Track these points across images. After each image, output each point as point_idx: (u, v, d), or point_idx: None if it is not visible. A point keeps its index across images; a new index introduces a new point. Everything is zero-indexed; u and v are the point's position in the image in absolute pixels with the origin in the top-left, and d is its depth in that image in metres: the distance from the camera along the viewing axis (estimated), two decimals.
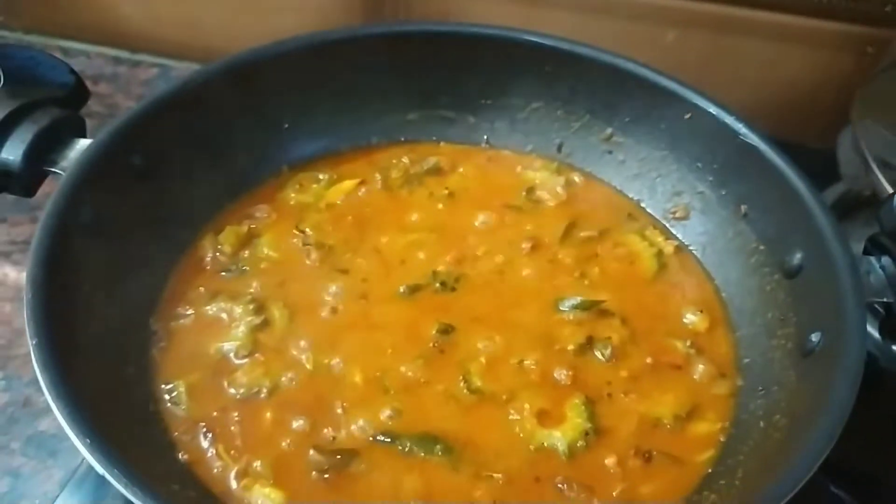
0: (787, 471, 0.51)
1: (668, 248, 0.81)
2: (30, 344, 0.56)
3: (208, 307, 0.73)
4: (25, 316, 0.57)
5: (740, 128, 0.76)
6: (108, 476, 0.48)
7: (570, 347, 0.71)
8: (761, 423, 0.64)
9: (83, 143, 0.73)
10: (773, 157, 0.74)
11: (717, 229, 0.80)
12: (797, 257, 0.70)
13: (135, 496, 0.47)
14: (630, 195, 0.87)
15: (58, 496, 0.75)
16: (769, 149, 0.74)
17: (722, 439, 0.65)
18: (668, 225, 0.84)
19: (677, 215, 0.83)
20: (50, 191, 0.71)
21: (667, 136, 0.84)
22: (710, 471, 0.63)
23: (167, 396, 0.66)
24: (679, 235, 0.83)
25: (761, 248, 0.75)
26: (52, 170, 0.71)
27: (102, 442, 0.51)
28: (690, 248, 0.82)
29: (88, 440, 0.50)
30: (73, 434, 0.50)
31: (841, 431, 0.53)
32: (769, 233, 0.74)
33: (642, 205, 0.86)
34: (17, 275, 1.09)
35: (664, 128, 0.83)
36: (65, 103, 0.75)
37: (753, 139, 0.75)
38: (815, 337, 0.64)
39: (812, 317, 0.66)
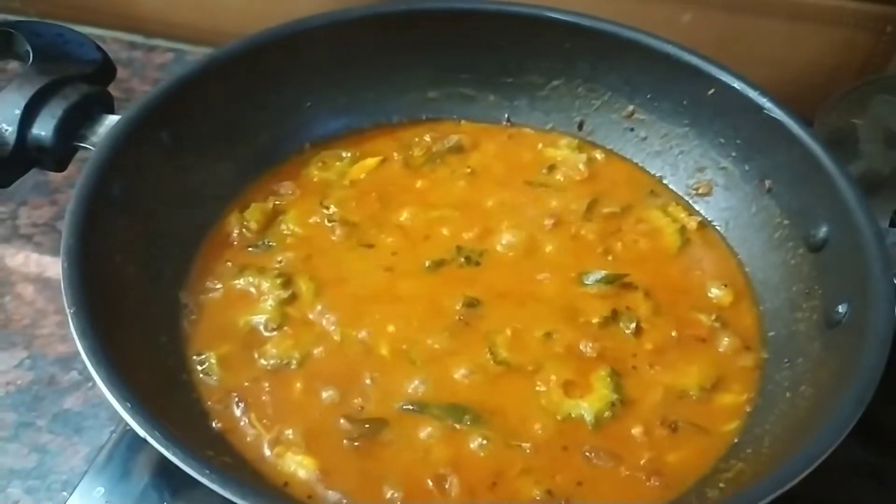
0: (817, 436, 0.52)
1: (691, 223, 0.81)
2: (68, 312, 0.57)
3: (236, 281, 0.74)
4: (63, 286, 0.58)
5: (764, 102, 0.76)
6: (149, 438, 0.49)
7: (595, 320, 0.71)
8: (787, 394, 0.64)
9: (112, 119, 0.73)
10: (797, 131, 0.74)
11: (740, 205, 0.80)
12: (822, 230, 0.70)
13: (176, 457, 0.48)
14: (652, 172, 0.87)
15: (85, 472, 0.76)
16: (794, 123, 0.74)
17: (748, 410, 0.66)
18: (690, 201, 0.84)
19: (700, 191, 0.84)
20: (77, 168, 0.72)
21: (689, 112, 0.84)
22: (736, 440, 0.63)
23: (199, 367, 0.67)
24: (702, 211, 0.83)
25: (786, 222, 0.75)
26: (83, 145, 0.72)
27: (142, 406, 0.51)
28: (714, 223, 0.82)
29: (129, 404, 0.51)
30: (114, 398, 0.51)
31: (871, 398, 0.54)
32: (793, 207, 0.75)
33: (664, 181, 0.86)
34: (38, 256, 1.11)
35: (686, 104, 0.83)
36: (93, 80, 0.76)
37: (778, 113, 0.75)
38: (841, 308, 0.64)
39: (838, 289, 0.66)
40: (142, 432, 0.50)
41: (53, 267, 1.04)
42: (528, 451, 0.62)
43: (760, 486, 0.49)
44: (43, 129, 0.70)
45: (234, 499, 0.48)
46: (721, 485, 0.59)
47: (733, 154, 0.81)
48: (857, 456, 0.71)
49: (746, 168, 0.80)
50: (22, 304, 1.11)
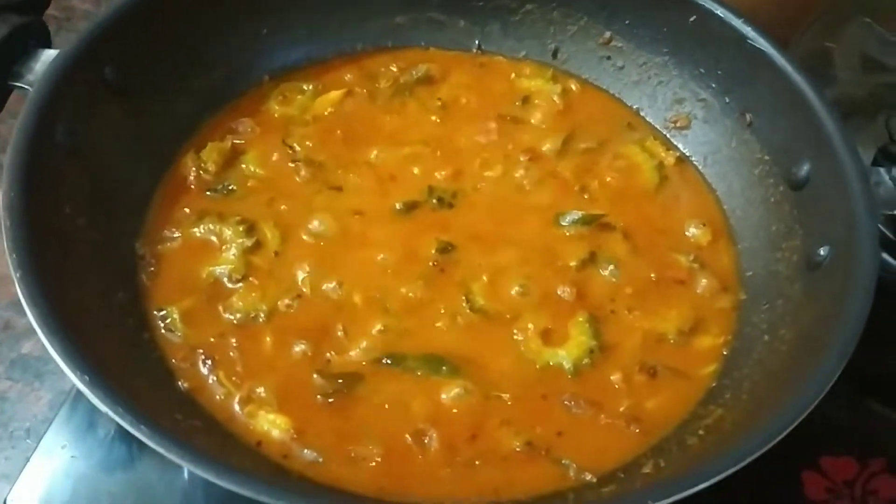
0: (800, 388, 0.51)
1: (669, 159, 0.79)
2: (14, 276, 0.53)
3: (196, 229, 0.70)
4: (6, 246, 0.54)
5: (748, 31, 0.73)
6: (112, 414, 0.47)
7: (573, 263, 0.70)
8: (766, 337, 0.64)
9: (49, 54, 0.67)
10: (782, 63, 0.71)
11: (719, 139, 0.78)
12: (804, 168, 0.68)
13: (142, 434, 0.46)
14: (629, 103, 0.84)
15: (48, 428, 0.73)
16: (778, 54, 0.71)
17: (725, 353, 0.65)
18: (668, 135, 0.81)
19: (678, 125, 0.81)
20: (15, 109, 0.66)
21: (669, 41, 0.80)
22: (714, 384, 0.63)
23: (161, 323, 0.64)
24: (680, 146, 0.80)
25: (766, 158, 0.73)
26: (18, 84, 0.66)
27: (102, 379, 0.49)
28: (692, 158, 0.80)
29: (87, 377, 0.48)
30: (71, 372, 0.48)
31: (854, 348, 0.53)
32: (775, 142, 0.72)
33: (642, 113, 0.83)
34: None
35: (666, 31, 0.80)
36: (23, 9, 0.69)
37: (762, 44, 0.72)
38: (823, 251, 0.63)
39: (819, 229, 0.65)
40: (104, 408, 0.47)
41: None
42: (507, 401, 0.61)
43: (745, 441, 0.48)
44: None
45: (206, 476, 0.45)
46: (700, 432, 0.58)
47: (713, 85, 0.78)
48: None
49: (727, 100, 0.77)
50: None
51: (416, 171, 0.76)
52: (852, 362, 0.53)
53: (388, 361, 0.63)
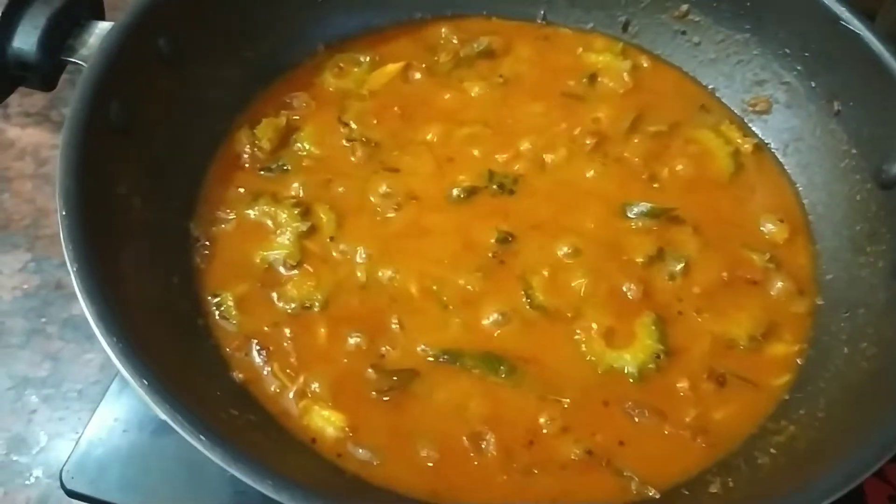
0: (889, 418, 0.48)
1: (746, 146, 0.74)
2: (70, 270, 0.52)
3: (250, 211, 0.68)
4: (62, 237, 0.53)
5: (841, 11, 0.67)
6: (171, 423, 0.46)
7: (640, 259, 0.66)
8: (845, 349, 0.60)
9: (103, 27, 0.65)
10: (877, 49, 0.65)
11: (803, 127, 0.73)
12: None
13: (202, 446, 0.45)
14: (704, 83, 0.79)
15: (104, 393, 0.73)
16: (874, 38, 0.65)
17: (800, 362, 0.62)
18: (746, 119, 0.76)
19: (757, 108, 0.76)
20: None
21: (751, 16, 0.75)
22: (787, 397, 0.60)
23: (216, 310, 0.63)
24: (758, 132, 0.76)
25: (854, 151, 0.68)
26: (72, 59, 0.64)
27: (162, 384, 0.47)
28: (771, 146, 0.75)
29: (146, 381, 0.47)
30: (132, 378, 0.47)
31: None
32: (864, 134, 0.67)
33: (718, 95, 0.78)
34: (34, 149, 1.05)
35: (749, 6, 0.74)
36: None
37: (856, 26, 0.66)
38: None
39: None
40: (163, 416, 0.46)
41: (52, 160, 0.98)
42: (566, 406, 0.59)
43: (825, 475, 0.45)
44: (25, 42, 0.62)
45: (264, 491, 0.44)
46: (772, 450, 0.56)
47: (799, 68, 0.73)
48: None
49: (813, 85, 0.72)
50: (21, 202, 1.06)
51: (475, 152, 0.73)
52: None
53: (445, 358, 0.61)
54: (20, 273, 1.03)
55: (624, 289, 0.65)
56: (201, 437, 0.45)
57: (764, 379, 0.61)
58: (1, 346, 0.98)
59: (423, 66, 0.79)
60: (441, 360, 0.61)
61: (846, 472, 0.45)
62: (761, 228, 0.69)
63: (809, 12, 0.69)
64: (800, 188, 0.72)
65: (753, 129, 0.76)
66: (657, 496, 0.55)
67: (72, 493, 0.66)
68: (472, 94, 0.77)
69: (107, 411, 0.70)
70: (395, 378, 0.60)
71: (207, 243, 0.66)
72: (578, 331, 0.62)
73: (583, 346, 0.62)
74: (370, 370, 0.60)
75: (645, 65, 0.79)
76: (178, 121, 0.69)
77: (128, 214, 0.61)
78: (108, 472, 0.66)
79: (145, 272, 0.60)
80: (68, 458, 0.69)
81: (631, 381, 0.60)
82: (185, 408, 0.47)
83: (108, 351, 0.48)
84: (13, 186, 1.08)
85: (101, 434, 0.68)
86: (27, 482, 0.96)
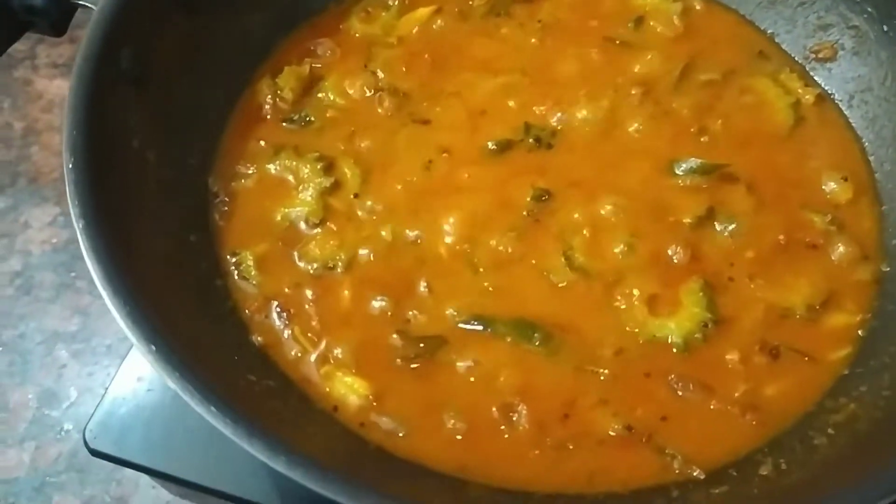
0: None
1: (808, 96, 0.68)
2: (76, 226, 0.49)
3: (271, 165, 0.65)
4: (68, 192, 0.50)
5: None
6: (181, 392, 0.43)
7: (687, 220, 0.61)
8: None
9: None
10: None
11: (871, 76, 0.66)
12: None
13: (212, 417, 0.42)
14: (763, 27, 0.72)
15: (128, 352, 0.71)
16: None
17: (861, 334, 0.57)
18: (808, 68, 0.70)
19: (821, 56, 0.69)
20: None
21: None
22: (846, 372, 0.55)
23: (235, 269, 0.60)
24: (821, 82, 0.69)
25: None
26: (81, 3, 0.60)
27: (170, 350, 0.45)
28: (835, 97, 0.69)
29: (154, 347, 0.44)
30: (137, 342, 0.44)
31: None
32: None
33: (777, 40, 0.72)
34: (62, 98, 1.02)
35: None
36: None
37: None
38: None
39: None
40: (172, 384, 0.43)
41: None
42: (604, 378, 0.55)
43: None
44: None
45: (278, 468, 0.42)
46: (829, 430, 0.51)
47: (870, 10, 0.66)
48: None
49: (885, 29, 0.66)
50: (50, 155, 1.04)
51: (511, 104, 0.68)
52: None
53: (476, 325, 0.57)
54: (50, 227, 1.02)
55: (670, 252, 0.60)
56: (212, 408, 0.42)
57: (821, 352, 0.56)
58: (31, 300, 0.97)
59: (456, 10, 0.74)
60: (471, 326, 0.57)
61: None
62: (823, 188, 0.64)
63: None
64: (866, 144, 0.66)
65: (816, 78, 0.70)
66: (702, 476, 0.51)
67: (95, 452, 0.65)
68: (508, 41, 0.72)
69: (131, 369, 0.68)
70: (421, 345, 0.56)
71: (227, 199, 0.63)
72: (619, 297, 0.58)
73: (624, 313, 0.58)
74: (395, 336, 0.56)
75: (697, 7, 0.73)
76: (197, 70, 0.66)
77: (141, 169, 0.58)
78: (132, 433, 0.64)
79: (160, 230, 0.57)
80: (91, 416, 0.68)
81: (675, 351, 0.56)
82: (195, 377, 0.44)
83: (115, 314, 0.45)
84: (42, 139, 1.06)
85: (125, 393, 0.66)
86: (58, 437, 0.96)
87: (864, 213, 0.63)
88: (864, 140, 0.66)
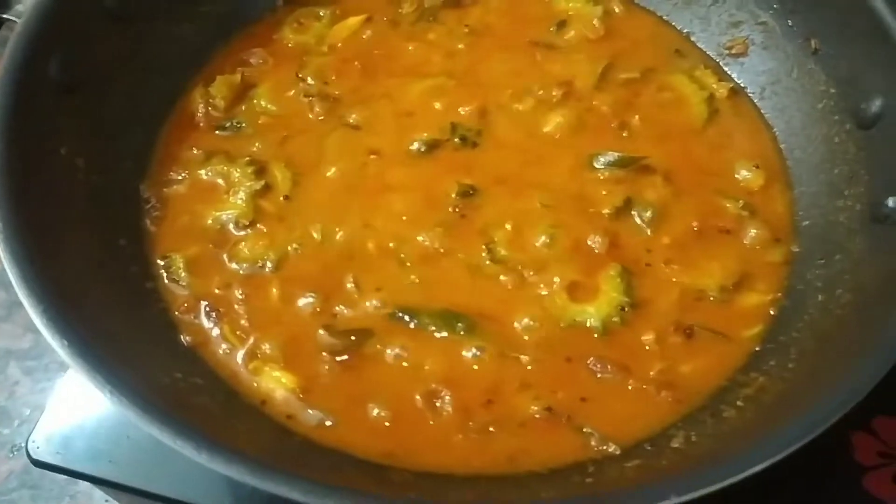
0: (863, 359, 0.45)
1: (722, 90, 0.71)
2: None
3: (203, 171, 0.66)
4: None
5: None
6: (94, 385, 0.44)
7: (606, 211, 0.63)
8: (819, 297, 0.57)
9: None
10: None
11: (780, 68, 0.69)
12: (875, 104, 0.60)
13: (132, 411, 0.43)
14: (679, 27, 0.75)
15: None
16: None
17: (773, 312, 0.59)
18: (722, 63, 0.73)
19: (734, 51, 0.72)
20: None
21: None
22: (757, 349, 0.57)
23: (165, 272, 0.61)
24: (734, 76, 0.72)
25: (832, 91, 0.64)
26: (6, 16, 0.61)
27: (86, 345, 0.46)
28: (747, 90, 0.72)
29: (66, 342, 0.45)
30: (51, 336, 0.45)
31: None
32: (843, 73, 0.64)
33: (693, 38, 0.75)
34: None
35: None
36: None
37: None
38: (892, 201, 0.55)
39: (889, 176, 0.57)
40: (85, 376, 0.44)
41: None
42: (527, 363, 0.56)
43: (788, 427, 0.43)
44: None
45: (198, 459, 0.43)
46: (739, 402, 0.53)
47: (775, 6, 0.69)
48: None
49: (790, 23, 0.68)
50: None
51: (437, 105, 0.70)
52: None
53: (402, 316, 0.58)
54: None
55: (590, 242, 0.62)
56: (124, 399, 0.43)
57: (735, 330, 0.58)
58: None
59: (386, 18, 0.76)
60: (397, 318, 0.58)
61: (807, 423, 0.43)
62: (736, 176, 0.66)
63: None
64: (777, 132, 0.69)
65: (729, 72, 0.72)
66: (617, 452, 0.52)
67: (38, 463, 0.65)
68: (436, 46, 0.74)
69: (74, 381, 0.68)
70: (348, 338, 0.57)
71: (158, 205, 0.64)
72: (541, 285, 0.60)
73: (545, 301, 0.59)
74: (322, 331, 0.58)
75: (617, 10, 0.76)
76: (130, 79, 0.67)
77: (70, 175, 0.59)
78: (75, 443, 0.64)
79: (89, 235, 0.58)
80: (33, 428, 0.68)
81: (595, 335, 0.58)
82: (111, 372, 0.45)
83: (29, 311, 0.46)
84: None
85: (69, 404, 0.67)
86: (10, 455, 0.95)
87: (776, 198, 0.65)
88: (775, 129, 0.69)
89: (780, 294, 0.60)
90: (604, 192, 0.64)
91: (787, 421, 0.45)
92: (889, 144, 0.58)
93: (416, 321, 0.58)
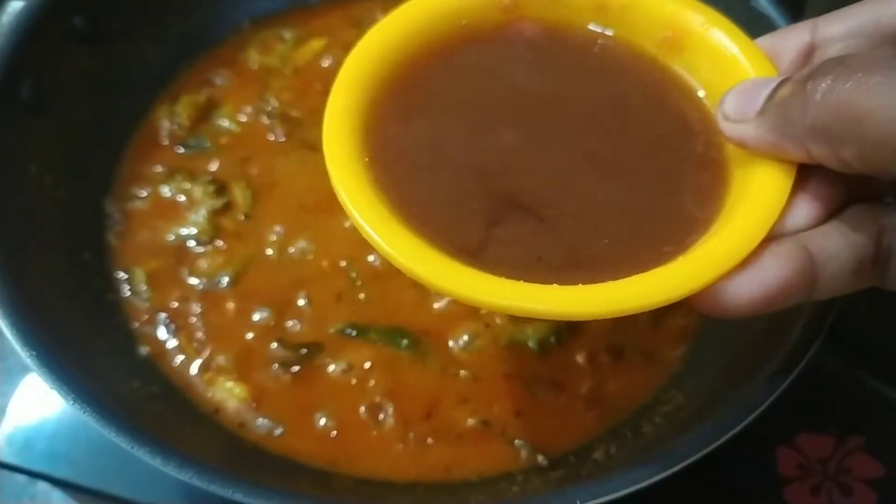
0: (762, 380, 0.49)
1: None
2: None
3: (165, 187, 0.69)
4: None
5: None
6: (56, 391, 0.47)
7: None
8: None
9: (15, 6, 0.65)
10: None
11: None
12: None
13: (92, 417, 0.46)
14: None
15: None
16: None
17: (695, 334, 0.63)
18: None
19: None
20: None
21: None
22: (678, 369, 0.61)
23: (125, 285, 0.64)
24: None
25: None
26: None
27: (51, 354, 0.49)
28: None
29: (34, 352, 0.48)
30: (20, 347, 0.48)
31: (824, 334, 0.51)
32: None
33: None
34: None
35: None
36: None
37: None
38: None
39: None
40: (49, 384, 0.47)
41: None
42: (467, 378, 0.60)
43: (685, 445, 0.47)
44: None
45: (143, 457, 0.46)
46: (657, 419, 0.57)
47: None
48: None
49: None
50: None
51: None
52: (847, 333, 0.50)
53: (350, 332, 0.62)
54: None
55: None
56: (86, 407, 0.47)
57: (661, 351, 0.62)
58: None
59: (347, 42, 0.79)
60: (346, 333, 0.62)
61: (706, 437, 0.47)
62: None
63: None
64: None
65: None
66: (545, 463, 0.56)
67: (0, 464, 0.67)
68: None
69: (36, 382, 0.70)
70: (299, 351, 0.61)
71: (121, 220, 0.67)
72: None
73: (486, 318, 0.63)
74: (275, 344, 0.61)
75: None
76: (97, 99, 0.70)
77: (38, 192, 0.62)
78: (37, 444, 0.66)
79: (53, 248, 0.61)
80: None
81: (532, 355, 0.62)
82: (73, 381, 0.48)
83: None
84: None
85: (30, 406, 0.69)
86: None
87: None
88: None
89: (700, 317, 0.64)
90: None
91: (688, 437, 0.49)
92: None
93: (363, 336, 0.62)
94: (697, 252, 0.39)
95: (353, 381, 0.60)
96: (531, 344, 0.62)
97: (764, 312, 0.39)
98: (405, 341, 0.62)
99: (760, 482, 0.67)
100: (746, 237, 0.38)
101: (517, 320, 0.63)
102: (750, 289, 0.38)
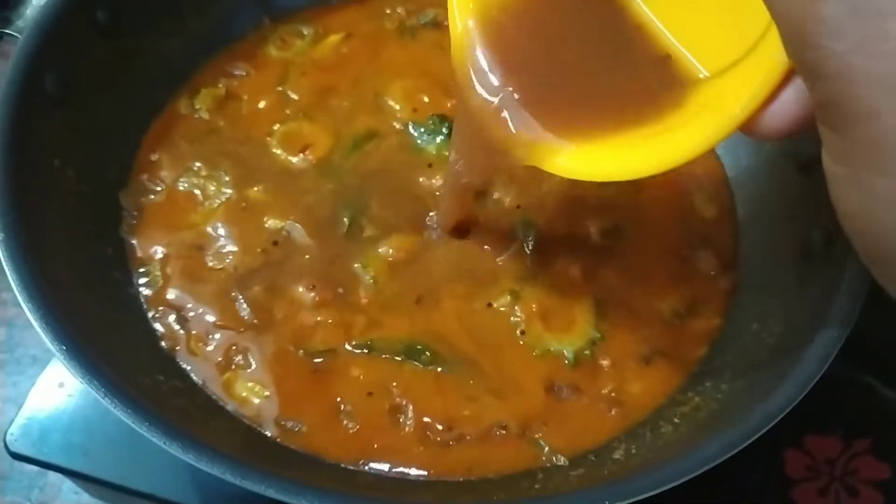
0: (777, 392, 0.50)
1: None
2: None
3: (182, 180, 0.69)
4: None
5: None
6: (89, 387, 0.47)
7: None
8: (755, 325, 0.62)
9: (39, 0, 0.65)
10: None
11: None
12: (811, 149, 0.64)
13: (113, 406, 0.47)
14: None
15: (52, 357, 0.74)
16: None
17: (715, 338, 0.64)
18: None
19: None
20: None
21: None
22: (696, 371, 0.62)
23: (144, 279, 0.64)
24: None
25: None
26: (6, 31, 0.64)
27: (81, 350, 0.49)
28: None
29: (64, 347, 0.48)
30: (51, 342, 0.49)
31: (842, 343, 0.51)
32: None
33: None
34: None
35: None
36: None
37: None
38: (818, 239, 0.60)
39: (818, 215, 0.61)
40: (81, 380, 0.48)
41: None
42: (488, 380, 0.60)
43: (706, 449, 0.48)
44: None
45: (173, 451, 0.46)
46: (676, 420, 0.58)
47: None
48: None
49: None
50: None
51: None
52: (854, 337, 0.51)
53: (363, 350, 0.62)
54: None
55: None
56: (115, 401, 0.47)
57: (681, 353, 0.63)
58: None
59: (365, 33, 0.80)
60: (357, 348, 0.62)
61: (726, 442, 0.47)
62: (693, 206, 0.71)
63: None
64: (727, 167, 0.73)
65: None
66: (566, 463, 0.57)
67: (15, 455, 0.67)
68: (412, 52, 0.78)
69: (53, 375, 0.71)
70: (323, 351, 0.61)
71: (136, 213, 0.67)
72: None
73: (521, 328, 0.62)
74: (296, 348, 0.61)
75: None
76: (118, 92, 0.70)
77: (62, 186, 0.62)
78: (52, 436, 0.66)
79: (76, 242, 0.61)
80: (12, 420, 0.70)
81: (567, 363, 0.61)
82: (101, 375, 0.48)
83: (29, 317, 0.50)
84: None
85: (46, 398, 0.69)
86: None
87: (725, 229, 0.70)
88: (725, 164, 0.74)
89: (722, 320, 0.64)
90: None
91: (712, 439, 0.49)
92: (821, 186, 0.63)
93: (376, 351, 0.61)
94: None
95: (376, 386, 0.60)
96: (567, 354, 0.62)
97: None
98: (427, 355, 0.61)
99: (768, 483, 0.68)
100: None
101: (553, 329, 0.62)
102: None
